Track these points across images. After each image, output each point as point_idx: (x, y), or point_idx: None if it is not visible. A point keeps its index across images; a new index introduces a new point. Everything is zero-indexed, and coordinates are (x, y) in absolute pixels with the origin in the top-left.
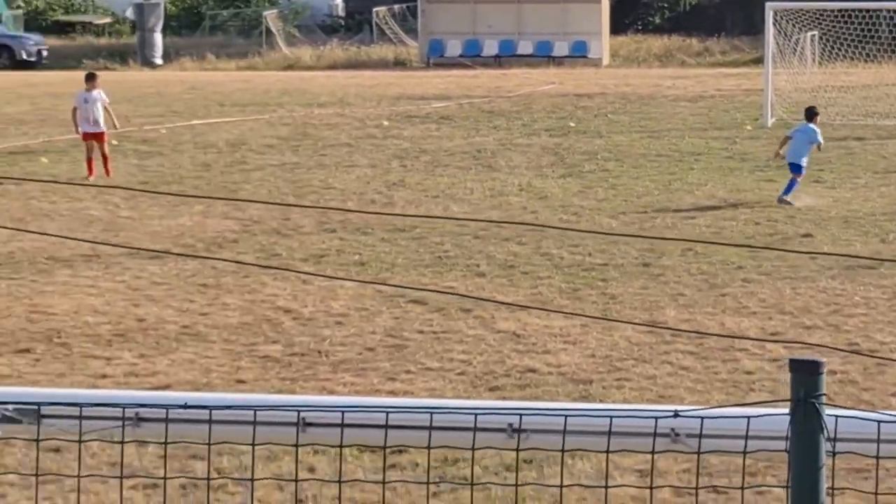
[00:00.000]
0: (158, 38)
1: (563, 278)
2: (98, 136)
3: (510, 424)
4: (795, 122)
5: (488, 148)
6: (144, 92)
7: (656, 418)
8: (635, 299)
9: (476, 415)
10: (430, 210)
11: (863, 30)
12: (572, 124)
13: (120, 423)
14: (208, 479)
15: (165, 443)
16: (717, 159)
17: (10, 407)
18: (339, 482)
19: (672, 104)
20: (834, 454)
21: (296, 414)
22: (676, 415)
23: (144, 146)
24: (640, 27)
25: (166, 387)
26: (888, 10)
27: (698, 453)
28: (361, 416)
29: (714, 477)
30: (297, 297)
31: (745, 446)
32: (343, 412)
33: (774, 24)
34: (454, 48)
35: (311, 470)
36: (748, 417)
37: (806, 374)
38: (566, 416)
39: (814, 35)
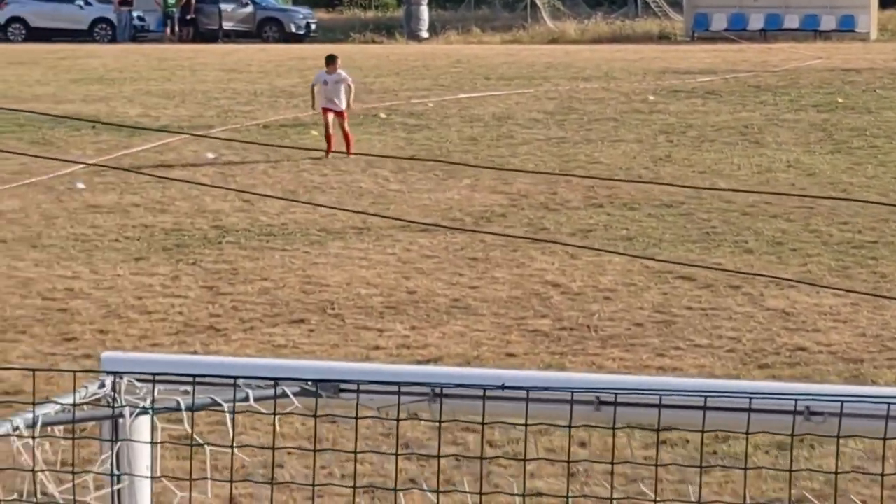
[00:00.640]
0: (425, 11)
1: (832, 255)
2: (339, 113)
3: (807, 407)
4: None
5: (755, 123)
6: (411, 65)
7: None
8: None
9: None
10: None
11: None
12: (840, 100)
13: (426, 398)
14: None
15: (482, 423)
16: None
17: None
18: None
19: None
20: None
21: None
22: None
23: (412, 119)
24: None
25: (438, 359)
26: None
27: None
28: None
29: None
30: (565, 272)
31: None
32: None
33: None
34: (719, 22)
35: (582, 445)
36: None
37: None
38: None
39: None
